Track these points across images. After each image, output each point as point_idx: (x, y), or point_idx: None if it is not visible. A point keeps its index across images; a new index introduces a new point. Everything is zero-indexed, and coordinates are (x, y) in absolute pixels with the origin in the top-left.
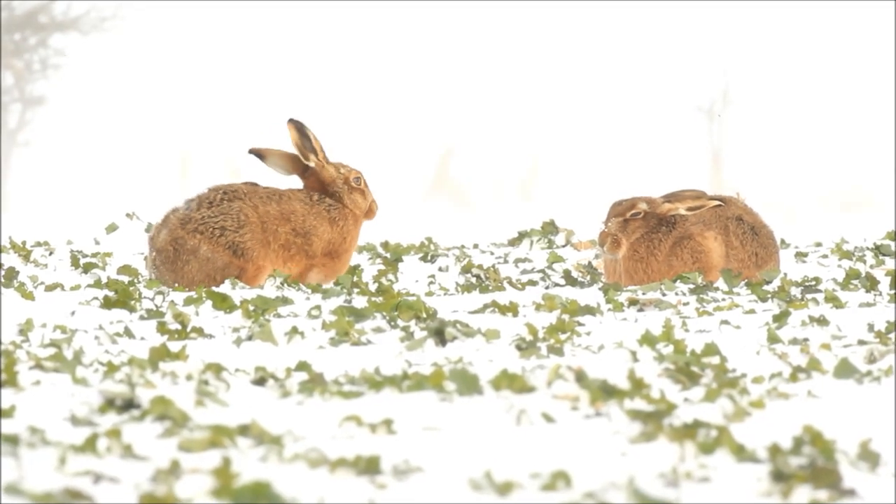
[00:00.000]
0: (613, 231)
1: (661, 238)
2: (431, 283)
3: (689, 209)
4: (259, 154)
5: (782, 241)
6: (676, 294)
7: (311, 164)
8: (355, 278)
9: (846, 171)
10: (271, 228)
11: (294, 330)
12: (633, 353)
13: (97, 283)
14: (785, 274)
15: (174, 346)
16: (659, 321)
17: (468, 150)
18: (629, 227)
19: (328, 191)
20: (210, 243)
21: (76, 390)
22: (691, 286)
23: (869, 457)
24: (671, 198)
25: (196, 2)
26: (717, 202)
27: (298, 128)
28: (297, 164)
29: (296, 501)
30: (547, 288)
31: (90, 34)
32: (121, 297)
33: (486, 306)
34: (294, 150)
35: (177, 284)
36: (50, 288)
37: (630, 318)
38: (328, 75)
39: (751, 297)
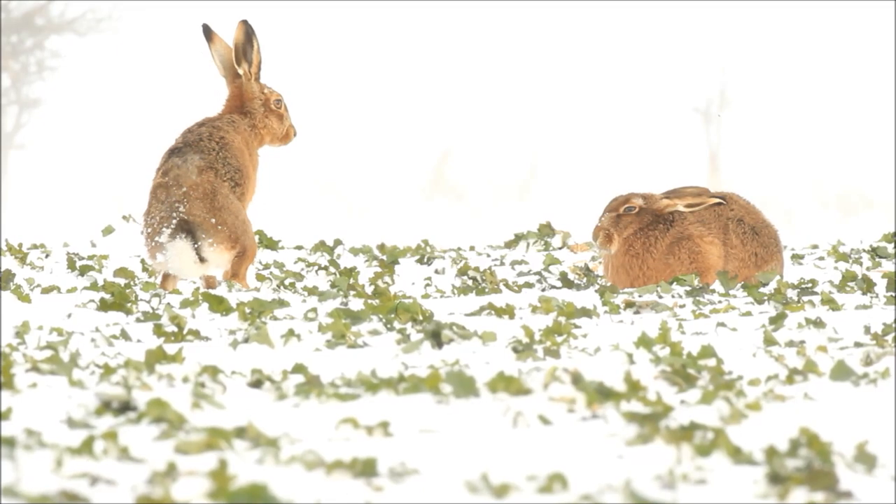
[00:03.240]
0: (605, 226)
1: (658, 235)
2: (428, 285)
3: (689, 206)
4: (209, 34)
5: None
6: (673, 296)
7: (240, 72)
8: (352, 281)
9: (844, 173)
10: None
11: (290, 332)
12: (630, 356)
13: (93, 286)
14: (781, 276)
15: (170, 349)
16: (655, 323)
17: (466, 152)
18: (621, 223)
19: (244, 108)
20: (240, 200)
21: (73, 392)
22: (687, 288)
23: (866, 459)
24: (671, 194)
25: (193, 2)
26: (718, 200)
27: (247, 31)
28: (232, 66)
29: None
30: (543, 290)
31: (86, 36)
32: (117, 299)
33: (482, 308)
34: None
35: (214, 221)
36: (46, 290)
37: (626, 320)
38: (326, 76)
39: (747, 300)
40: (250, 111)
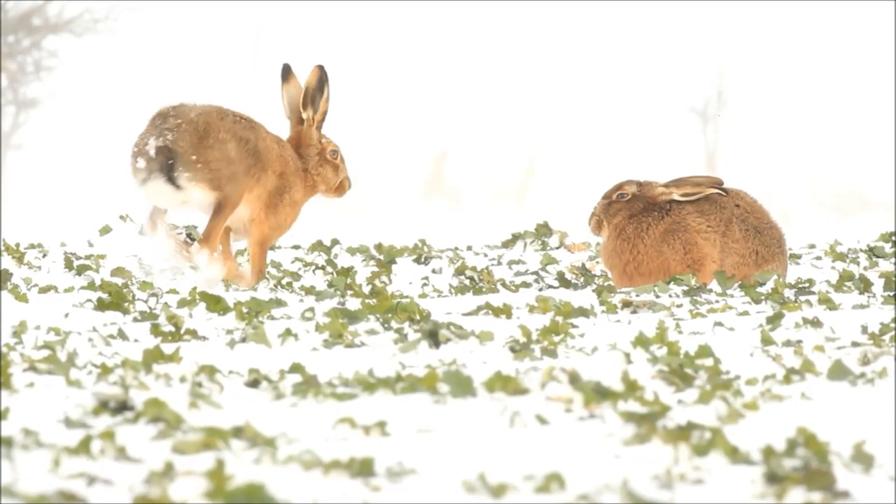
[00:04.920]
0: (597, 212)
1: (651, 222)
2: (425, 284)
3: (685, 195)
4: (288, 74)
5: None
6: (670, 296)
7: (304, 116)
8: (349, 280)
9: (842, 173)
10: (268, 166)
11: (287, 332)
12: (627, 355)
13: (91, 286)
14: (783, 278)
15: (168, 349)
16: (652, 323)
17: (463, 152)
18: (611, 209)
19: (299, 152)
20: (238, 147)
21: (70, 392)
22: (685, 288)
23: (863, 458)
24: (672, 183)
25: (190, 2)
26: (716, 189)
27: (321, 77)
28: (298, 110)
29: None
30: (540, 290)
31: (83, 36)
32: (114, 299)
33: (479, 308)
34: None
35: (194, 158)
36: (44, 290)
37: (623, 319)
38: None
39: (744, 299)
40: (305, 157)
